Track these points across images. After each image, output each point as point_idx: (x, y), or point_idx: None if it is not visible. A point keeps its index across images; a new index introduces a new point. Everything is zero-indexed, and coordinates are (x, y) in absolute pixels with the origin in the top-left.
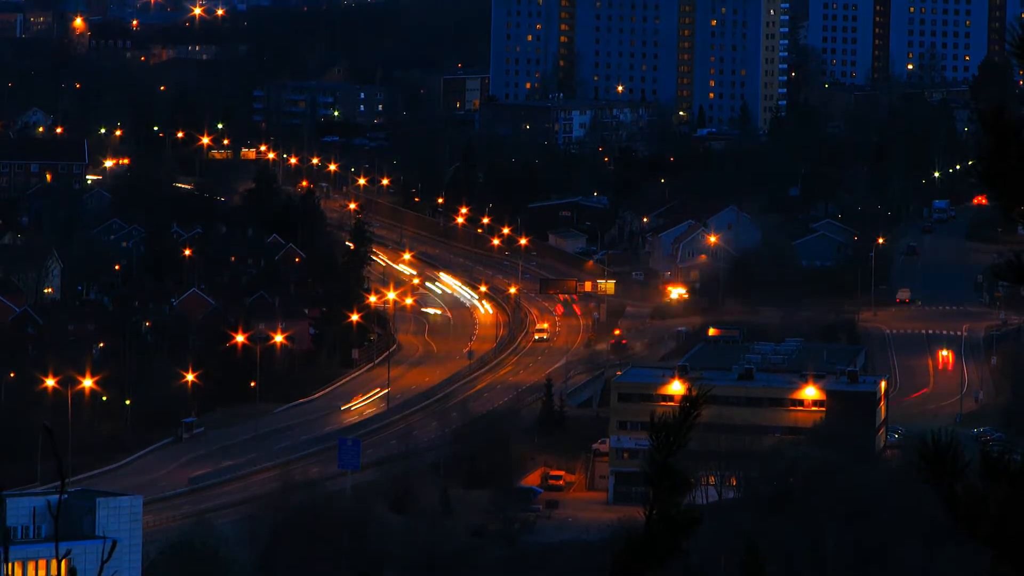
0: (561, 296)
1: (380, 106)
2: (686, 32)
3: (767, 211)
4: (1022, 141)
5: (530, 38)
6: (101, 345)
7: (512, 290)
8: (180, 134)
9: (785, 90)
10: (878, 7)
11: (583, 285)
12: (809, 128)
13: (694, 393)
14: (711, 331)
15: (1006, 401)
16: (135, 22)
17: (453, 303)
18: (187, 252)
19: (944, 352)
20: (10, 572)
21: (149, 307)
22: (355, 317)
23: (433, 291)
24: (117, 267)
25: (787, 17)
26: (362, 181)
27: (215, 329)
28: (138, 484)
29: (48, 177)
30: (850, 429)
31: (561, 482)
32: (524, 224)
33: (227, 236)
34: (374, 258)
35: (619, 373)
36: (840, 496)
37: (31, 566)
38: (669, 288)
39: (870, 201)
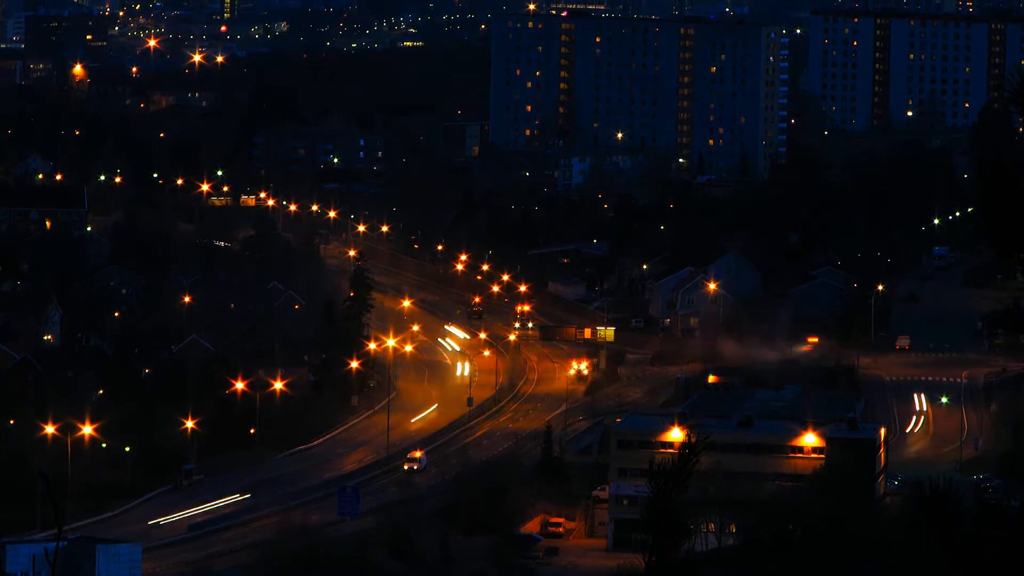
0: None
1: (380, 153)
2: (686, 79)
3: (767, 258)
4: (1020, 190)
5: (529, 85)
6: (100, 392)
7: (511, 337)
8: (180, 181)
9: (785, 137)
10: (878, 54)
11: (583, 332)
12: (809, 175)
13: (693, 440)
14: (710, 378)
15: (1006, 448)
16: (135, 69)
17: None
18: (186, 299)
19: (944, 399)
20: None
21: (148, 354)
22: (355, 364)
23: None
24: (117, 314)
25: (787, 64)
26: (362, 228)
27: (214, 376)
28: (137, 531)
29: (48, 224)
30: (850, 476)
31: (561, 529)
32: (523, 271)
33: (226, 283)
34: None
35: (619, 420)
36: (840, 543)
37: None
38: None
39: (870, 248)
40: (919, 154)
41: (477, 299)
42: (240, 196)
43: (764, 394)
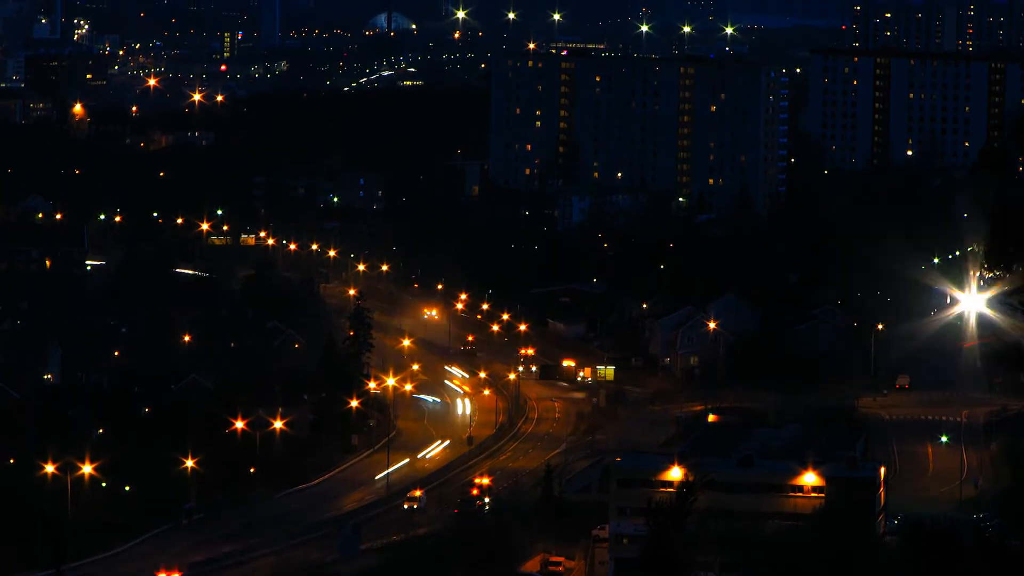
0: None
1: (380, 192)
2: (685, 118)
3: (766, 297)
4: (1021, 226)
5: (529, 124)
6: (100, 431)
7: (511, 376)
8: (179, 220)
9: (784, 176)
10: (877, 93)
11: (583, 371)
12: (808, 214)
13: (691, 479)
14: (711, 417)
15: (1005, 487)
16: (135, 108)
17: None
18: (186, 338)
19: (944, 438)
20: None
21: (148, 393)
22: (354, 403)
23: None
24: (116, 353)
25: (786, 103)
26: (362, 267)
27: (214, 415)
28: (137, 570)
29: (48, 263)
30: (850, 515)
31: (561, 568)
32: (524, 310)
33: (226, 322)
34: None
35: (619, 459)
36: None
37: None
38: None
39: (869, 287)
40: (918, 192)
41: (471, 337)
42: (240, 235)
43: (764, 433)
